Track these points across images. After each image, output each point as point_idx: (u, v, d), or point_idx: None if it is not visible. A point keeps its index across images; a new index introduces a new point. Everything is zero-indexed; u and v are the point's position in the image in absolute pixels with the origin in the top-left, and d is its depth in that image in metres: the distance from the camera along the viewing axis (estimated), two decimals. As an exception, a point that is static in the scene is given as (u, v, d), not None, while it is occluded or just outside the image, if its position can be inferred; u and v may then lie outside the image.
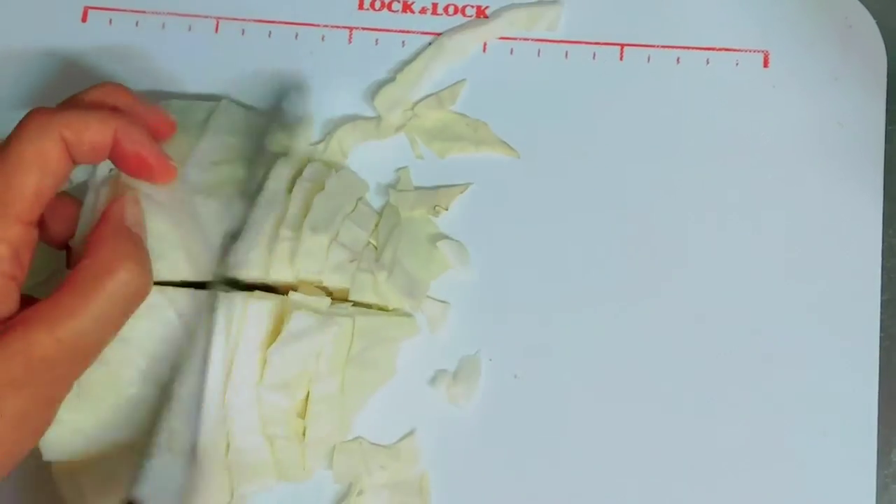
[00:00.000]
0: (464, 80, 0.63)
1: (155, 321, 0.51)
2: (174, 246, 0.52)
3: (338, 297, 0.56)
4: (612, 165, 0.61)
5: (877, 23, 0.61)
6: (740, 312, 0.58)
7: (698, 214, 0.60)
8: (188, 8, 0.66)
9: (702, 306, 0.58)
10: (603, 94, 0.62)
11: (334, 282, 0.55)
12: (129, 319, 0.48)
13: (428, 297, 0.59)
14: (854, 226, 0.59)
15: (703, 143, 0.61)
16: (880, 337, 0.57)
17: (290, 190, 0.57)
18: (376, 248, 0.58)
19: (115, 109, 0.50)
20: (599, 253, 0.59)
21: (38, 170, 0.47)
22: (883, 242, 0.58)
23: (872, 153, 0.60)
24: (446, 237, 0.60)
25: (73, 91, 0.61)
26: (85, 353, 0.46)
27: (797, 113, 0.61)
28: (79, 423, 0.50)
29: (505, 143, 0.62)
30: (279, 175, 0.57)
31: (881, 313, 0.57)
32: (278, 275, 0.54)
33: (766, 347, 0.57)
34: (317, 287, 0.56)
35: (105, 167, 0.53)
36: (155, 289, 0.50)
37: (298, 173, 0.58)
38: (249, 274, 0.54)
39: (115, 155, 0.50)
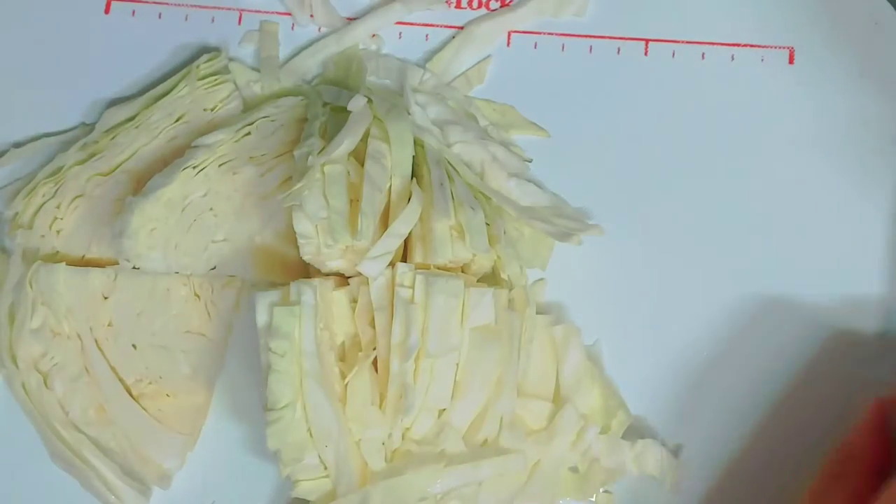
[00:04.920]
0: (489, 56, 0.63)
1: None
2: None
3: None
4: (636, 159, 0.61)
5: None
6: (752, 297, 0.58)
7: (722, 206, 0.60)
8: (211, 0, 0.66)
9: (717, 297, 0.58)
10: (627, 89, 0.62)
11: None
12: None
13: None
14: (870, 219, 0.59)
15: (727, 138, 0.61)
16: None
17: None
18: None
19: None
20: (624, 242, 0.60)
21: None
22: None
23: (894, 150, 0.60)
24: None
25: (96, 82, 0.62)
26: None
27: (821, 109, 0.61)
28: None
29: (534, 123, 0.62)
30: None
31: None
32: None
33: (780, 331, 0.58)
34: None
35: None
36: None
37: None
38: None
39: None
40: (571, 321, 0.58)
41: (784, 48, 0.62)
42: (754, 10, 0.63)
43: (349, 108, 0.57)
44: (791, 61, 0.62)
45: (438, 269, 0.54)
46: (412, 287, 0.53)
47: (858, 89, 0.61)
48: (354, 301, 0.55)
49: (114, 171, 0.60)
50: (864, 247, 0.59)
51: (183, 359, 0.57)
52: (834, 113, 0.61)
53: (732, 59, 0.62)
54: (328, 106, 0.60)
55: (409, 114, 0.59)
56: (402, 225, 0.54)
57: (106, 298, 0.57)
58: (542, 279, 0.59)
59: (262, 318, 0.52)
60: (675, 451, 0.56)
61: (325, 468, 0.52)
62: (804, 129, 0.61)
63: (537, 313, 0.57)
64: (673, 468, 0.55)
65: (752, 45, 0.62)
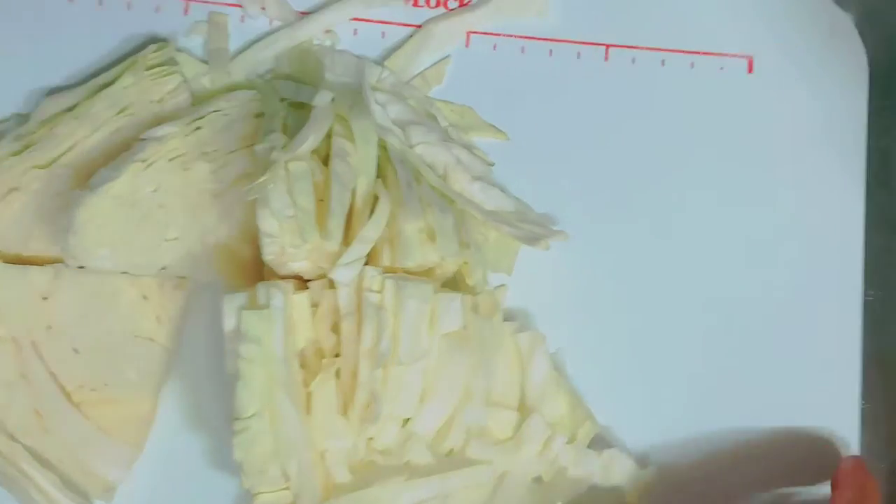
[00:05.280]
0: (448, 56, 0.62)
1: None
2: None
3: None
4: (596, 164, 0.60)
5: (870, 21, 0.62)
6: (719, 302, 0.58)
7: (682, 212, 0.59)
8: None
9: (682, 303, 0.58)
10: (588, 94, 0.61)
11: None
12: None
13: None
14: (838, 221, 0.59)
15: (687, 145, 0.61)
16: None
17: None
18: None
19: None
20: (586, 248, 0.59)
21: None
22: (865, 236, 0.59)
23: (854, 157, 0.60)
24: None
25: (30, 72, 0.60)
26: None
27: (780, 117, 0.61)
28: None
29: (493, 125, 0.60)
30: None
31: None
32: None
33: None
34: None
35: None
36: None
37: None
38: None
39: None
40: (536, 328, 0.57)
41: (743, 57, 0.62)
42: (713, 18, 0.62)
43: (314, 103, 0.54)
44: (750, 69, 0.62)
45: (405, 272, 0.52)
46: (381, 292, 0.50)
47: (816, 97, 0.61)
48: (315, 305, 0.52)
49: (52, 163, 0.56)
50: (830, 246, 0.59)
51: (130, 364, 0.54)
52: (792, 120, 0.61)
53: (692, 66, 0.62)
54: (286, 101, 0.58)
55: (369, 112, 0.57)
56: (373, 228, 0.52)
57: (45, 299, 0.54)
58: (503, 285, 0.58)
59: (229, 323, 0.49)
60: (642, 461, 0.55)
61: (287, 480, 0.49)
62: (763, 136, 0.61)
63: (506, 319, 0.55)
64: (640, 478, 0.54)
65: (711, 54, 0.62)
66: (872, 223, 0.59)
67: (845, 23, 0.62)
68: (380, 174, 0.55)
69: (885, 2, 0.62)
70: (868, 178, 0.60)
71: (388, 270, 0.52)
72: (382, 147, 0.56)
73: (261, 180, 0.50)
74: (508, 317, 0.57)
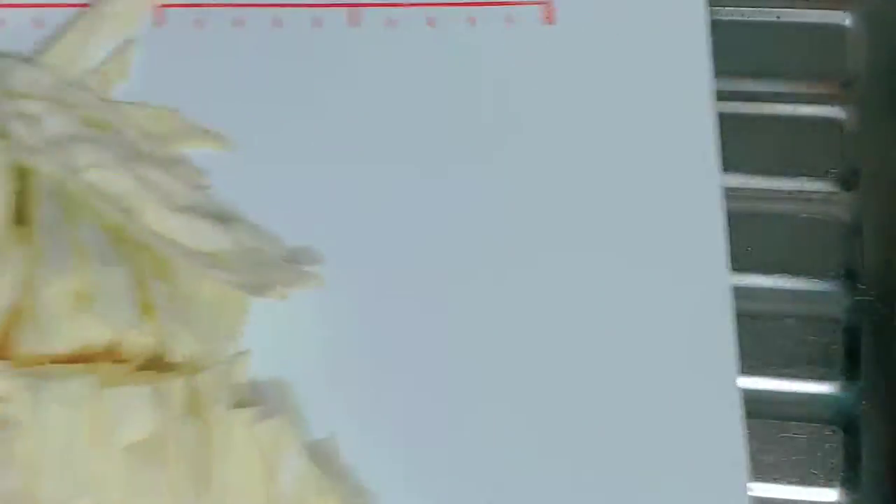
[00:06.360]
0: (131, 40, 0.46)
1: None
2: None
3: None
4: (356, 167, 0.46)
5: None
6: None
7: (475, 231, 0.45)
8: None
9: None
10: (331, 72, 0.47)
11: None
12: None
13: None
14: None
15: (466, 127, 0.47)
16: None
17: None
18: None
19: None
20: (357, 288, 0.44)
21: None
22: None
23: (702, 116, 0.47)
24: None
25: None
26: None
27: (590, 77, 0.47)
28: None
29: (207, 130, 0.46)
30: None
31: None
32: None
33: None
34: None
35: None
36: None
37: None
38: None
39: None
40: (291, 410, 0.41)
41: (537, 3, 0.48)
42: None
43: None
44: (549, 19, 0.48)
45: (59, 361, 0.37)
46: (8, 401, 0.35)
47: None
48: None
49: None
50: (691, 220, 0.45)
51: None
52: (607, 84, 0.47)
53: (473, 22, 0.48)
54: None
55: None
56: None
57: None
58: (246, 351, 0.42)
59: None
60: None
61: None
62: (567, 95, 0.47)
63: (241, 405, 0.39)
64: None
65: (494, 3, 0.48)
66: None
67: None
68: (22, 216, 0.39)
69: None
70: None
71: (27, 363, 0.36)
72: (32, 175, 0.40)
73: None
74: (256, 393, 0.41)
